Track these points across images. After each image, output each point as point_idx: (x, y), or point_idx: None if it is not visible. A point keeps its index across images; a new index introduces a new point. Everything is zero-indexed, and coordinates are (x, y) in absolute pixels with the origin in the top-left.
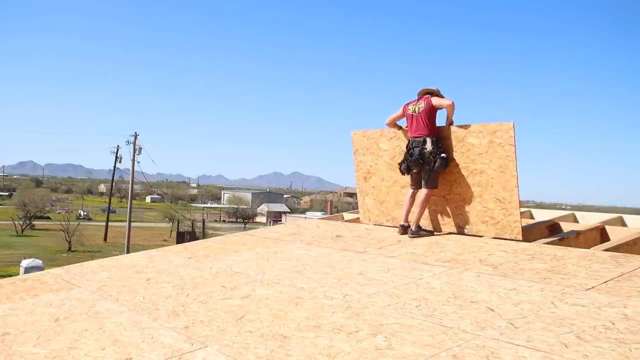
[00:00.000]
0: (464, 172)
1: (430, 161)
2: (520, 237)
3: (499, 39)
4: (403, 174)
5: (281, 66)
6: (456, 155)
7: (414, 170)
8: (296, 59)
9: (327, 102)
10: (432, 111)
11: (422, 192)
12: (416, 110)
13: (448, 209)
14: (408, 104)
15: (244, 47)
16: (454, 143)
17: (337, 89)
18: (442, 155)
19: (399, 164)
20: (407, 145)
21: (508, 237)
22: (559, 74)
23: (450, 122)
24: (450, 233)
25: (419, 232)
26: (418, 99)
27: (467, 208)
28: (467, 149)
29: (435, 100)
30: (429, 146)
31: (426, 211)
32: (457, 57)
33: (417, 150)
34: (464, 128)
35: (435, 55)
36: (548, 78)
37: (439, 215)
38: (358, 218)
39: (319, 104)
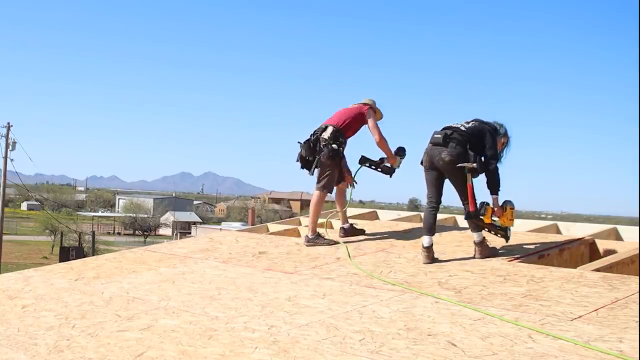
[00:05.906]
0: None
1: (321, 150)
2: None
3: (490, 40)
4: (301, 165)
5: (182, 56)
6: None
7: (306, 157)
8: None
9: (241, 95)
10: (358, 117)
11: (314, 195)
12: (348, 106)
13: None
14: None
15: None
16: None
17: (251, 83)
18: (334, 146)
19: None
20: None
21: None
22: (555, 73)
23: (390, 164)
24: (402, 248)
25: (315, 240)
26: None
27: None
28: None
29: (371, 121)
30: (327, 134)
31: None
32: (448, 57)
33: (314, 136)
34: None
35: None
36: (539, 77)
37: None
38: (287, 230)
39: (229, 95)
